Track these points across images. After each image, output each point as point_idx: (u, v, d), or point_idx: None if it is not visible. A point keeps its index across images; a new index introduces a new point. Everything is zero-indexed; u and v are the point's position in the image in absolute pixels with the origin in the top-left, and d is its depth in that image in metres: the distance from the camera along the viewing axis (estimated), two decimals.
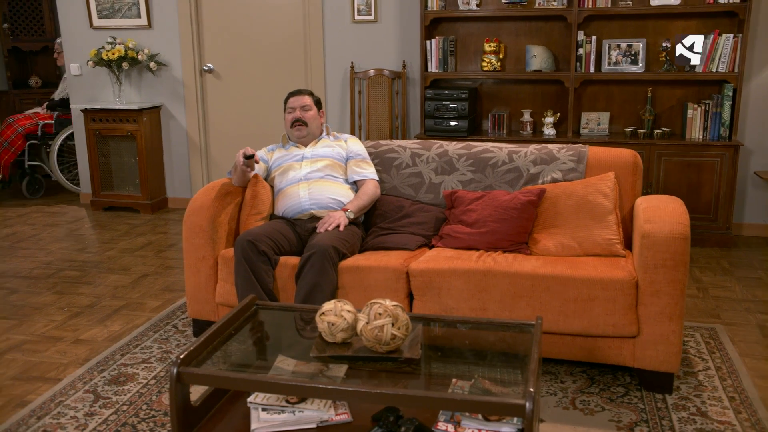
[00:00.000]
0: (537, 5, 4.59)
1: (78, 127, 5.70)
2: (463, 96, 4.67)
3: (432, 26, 4.76)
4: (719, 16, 4.42)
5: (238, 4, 5.31)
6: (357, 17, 5.02)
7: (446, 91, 4.71)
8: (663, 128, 4.57)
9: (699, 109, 4.44)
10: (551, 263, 2.81)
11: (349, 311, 2.17)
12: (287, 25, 5.24)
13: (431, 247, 3.18)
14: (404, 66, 4.99)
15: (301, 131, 3.40)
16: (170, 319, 3.43)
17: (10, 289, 3.88)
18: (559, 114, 4.72)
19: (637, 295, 2.64)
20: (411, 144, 3.52)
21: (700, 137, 4.45)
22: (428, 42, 4.73)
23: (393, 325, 2.07)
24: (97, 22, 5.51)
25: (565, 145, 3.33)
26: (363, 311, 2.13)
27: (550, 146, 3.35)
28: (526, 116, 4.80)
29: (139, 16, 5.43)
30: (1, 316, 3.51)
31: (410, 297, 2.91)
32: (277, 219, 3.24)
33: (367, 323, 2.08)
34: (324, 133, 3.49)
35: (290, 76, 5.31)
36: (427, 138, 4.68)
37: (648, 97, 4.56)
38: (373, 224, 3.31)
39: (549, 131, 4.70)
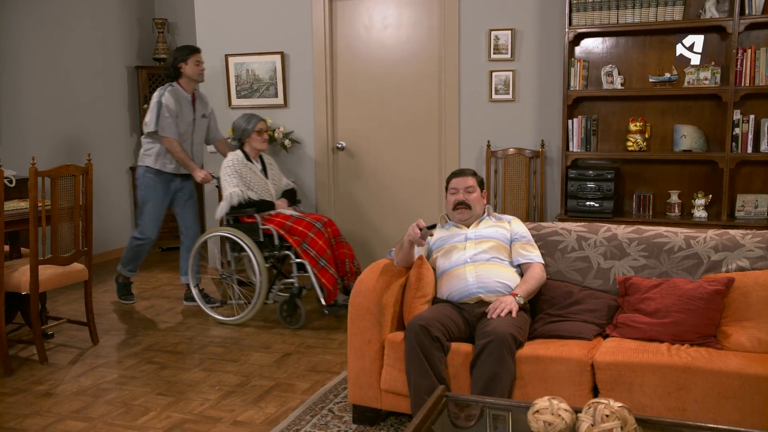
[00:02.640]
0: (686, 84, 4.45)
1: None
2: (609, 176, 4.53)
3: (573, 105, 4.68)
4: None
5: (373, 83, 5.40)
6: (494, 96, 5.00)
7: (590, 171, 4.57)
8: None
9: None
10: (759, 361, 2.57)
11: (566, 410, 2.00)
12: (422, 103, 5.28)
13: (605, 336, 2.99)
14: (542, 145, 4.91)
15: (463, 214, 3.33)
16: (324, 402, 3.33)
17: (161, 364, 3.89)
18: (711, 196, 4.49)
19: None
20: (576, 227, 3.38)
21: None
22: (570, 121, 4.65)
23: (622, 429, 1.90)
24: (235, 102, 5.72)
25: (749, 231, 3.13)
26: (585, 411, 1.96)
27: (731, 232, 3.15)
28: (674, 197, 4.59)
29: (276, 95, 5.61)
30: (157, 391, 3.50)
31: (594, 391, 2.71)
32: (441, 302, 3.14)
33: (592, 425, 1.91)
34: (485, 214, 3.41)
35: (423, 154, 5.32)
36: (568, 219, 4.53)
37: None
38: (540, 310, 3.16)
39: (699, 213, 4.47)
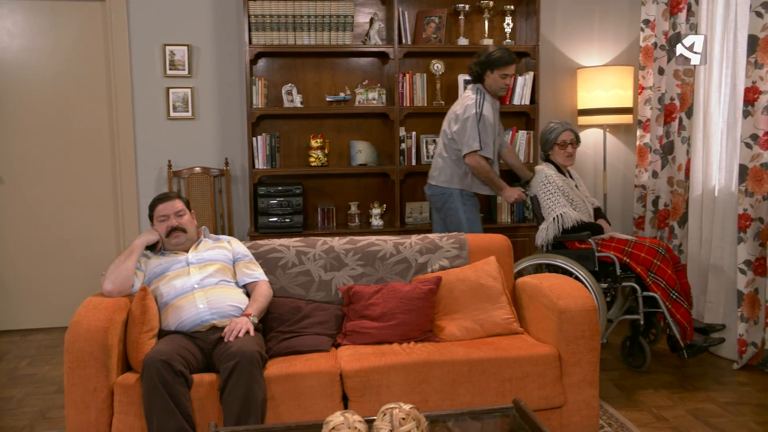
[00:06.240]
0: (358, 103, 4.82)
1: None
2: (297, 191, 4.66)
3: (256, 123, 4.71)
4: (515, 115, 5.08)
5: (28, 102, 4.71)
6: (173, 114, 4.77)
7: (279, 187, 4.65)
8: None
9: None
10: (477, 347, 2.91)
11: (360, 422, 2.01)
12: (90, 123, 4.77)
13: (338, 345, 3.08)
14: (227, 163, 4.83)
15: (179, 238, 3.12)
16: None
17: None
18: (385, 205, 4.93)
19: (561, 366, 2.85)
20: (293, 242, 3.41)
21: (509, 220, 4.99)
22: (254, 138, 4.66)
23: (418, 428, 1.97)
24: None
25: (444, 234, 3.51)
26: (380, 419, 1.99)
27: (431, 236, 3.50)
28: (354, 209, 4.92)
29: None
30: None
31: (344, 400, 2.77)
32: (170, 334, 2.87)
33: (391, 430, 1.95)
34: (202, 236, 3.23)
35: (95, 178, 4.82)
36: (260, 236, 4.54)
37: None
38: (271, 329, 3.10)
39: (377, 222, 4.87)
